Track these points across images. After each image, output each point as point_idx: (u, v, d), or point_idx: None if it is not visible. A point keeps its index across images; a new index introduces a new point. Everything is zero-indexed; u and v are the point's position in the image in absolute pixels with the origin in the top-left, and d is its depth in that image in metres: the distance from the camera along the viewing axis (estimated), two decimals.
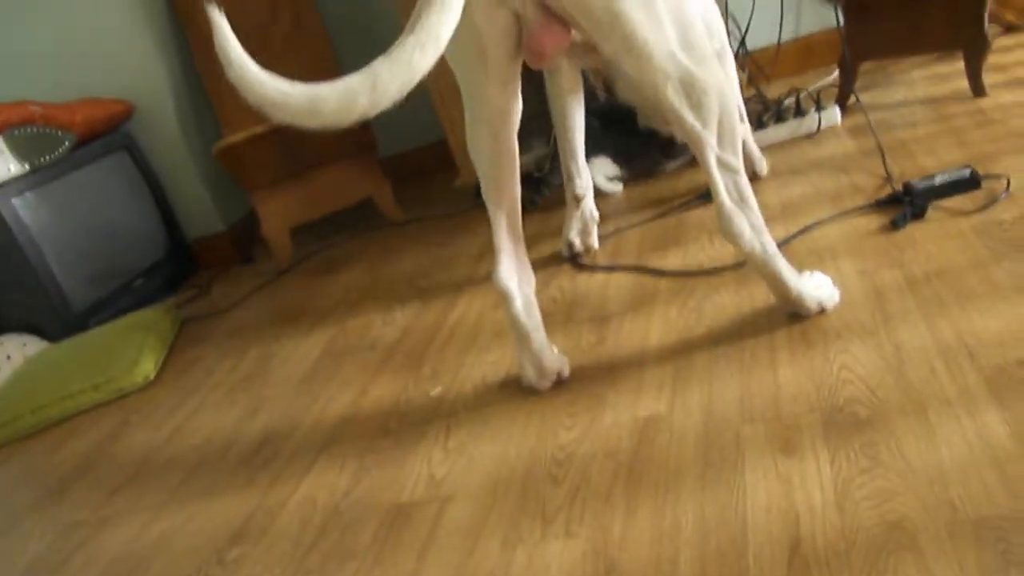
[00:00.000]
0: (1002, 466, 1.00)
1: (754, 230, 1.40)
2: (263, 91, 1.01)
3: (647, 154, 2.42)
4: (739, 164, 1.39)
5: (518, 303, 1.50)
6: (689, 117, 1.34)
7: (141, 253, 2.97)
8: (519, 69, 1.40)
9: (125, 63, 3.00)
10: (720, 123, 1.36)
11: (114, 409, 2.17)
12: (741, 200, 1.39)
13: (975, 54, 2.21)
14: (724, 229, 1.41)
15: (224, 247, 3.18)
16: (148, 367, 2.27)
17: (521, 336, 1.50)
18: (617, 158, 2.45)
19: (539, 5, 1.31)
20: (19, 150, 2.64)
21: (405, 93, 1.05)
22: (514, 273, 1.50)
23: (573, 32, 1.36)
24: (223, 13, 1.00)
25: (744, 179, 1.39)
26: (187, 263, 3.17)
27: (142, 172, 3.03)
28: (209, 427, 1.86)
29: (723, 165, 1.38)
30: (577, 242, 2.05)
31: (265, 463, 1.61)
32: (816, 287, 1.46)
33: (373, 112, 1.04)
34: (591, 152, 2.24)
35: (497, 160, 1.46)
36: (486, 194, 1.50)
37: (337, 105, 1.02)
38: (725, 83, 1.36)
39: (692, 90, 1.32)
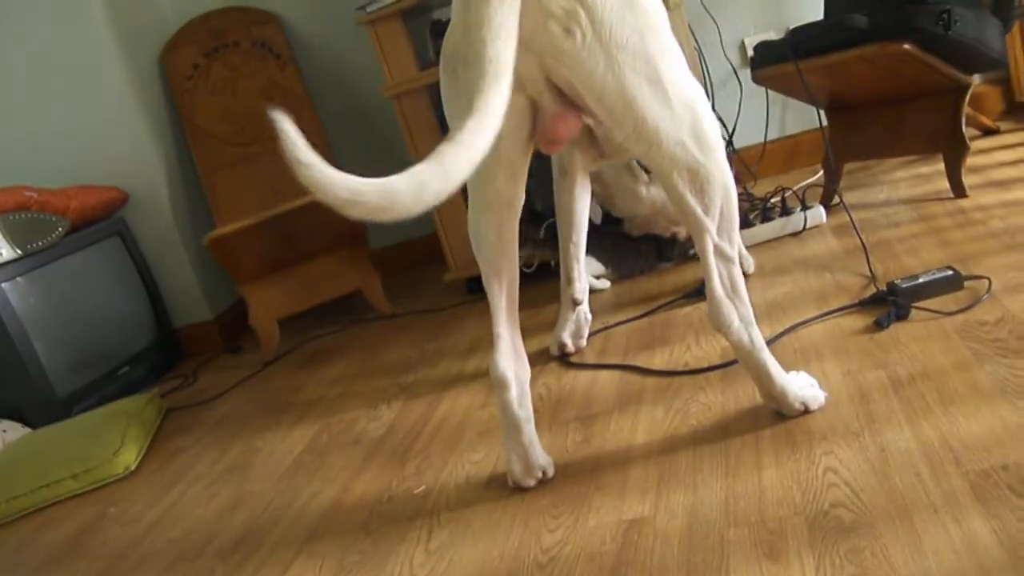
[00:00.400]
0: None
1: (743, 321, 1.42)
2: (334, 191, 1.01)
3: (638, 256, 2.45)
4: (735, 255, 1.41)
5: (513, 392, 1.49)
6: (691, 202, 1.37)
7: (128, 340, 2.96)
8: (529, 158, 1.43)
9: (121, 152, 3.04)
10: (721, 212, 1.39)
11: (93, 499, 2.13)
12: (733, 291, 1.41)
13: (954, 156, 2.26)
14: (713, 317, 1.42)
15: (211, 335, 3.18)
16: (130, 457, 2.24)
17: (512, 427, 1.49)
18: (604, 259, 2.47)
19: (555, 91, 1.34)
20: (13, 235, 2.65)
21: (470, 173, 1.07)
22: (512, 361, 1.50)
23: (584, 118, 1.40)
24: (288, 118, 0.98)
25: (738, 270, 1.42)
26: (173, 351, 3.16)
27: (133, 259, 3.05)
28: (188, 521, 1.83)
29: (720, 254, 1.40)
30: (569, 343, 2.05)
31: (243, 560, 1.58)
32: (800, 388, 1.46)
33: (442, 198, 1.05)
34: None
35: (500, 248, 1.48)
36: (487, 281, 1.51)
37: (411, 195, 1.04)
38: (729, 175, 1.40)
39: (696, 178, 1.36)
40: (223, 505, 1.85)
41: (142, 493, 2.07)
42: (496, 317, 1.51)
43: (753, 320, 1.43)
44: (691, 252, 2.44)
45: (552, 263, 2.50)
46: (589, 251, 2.38)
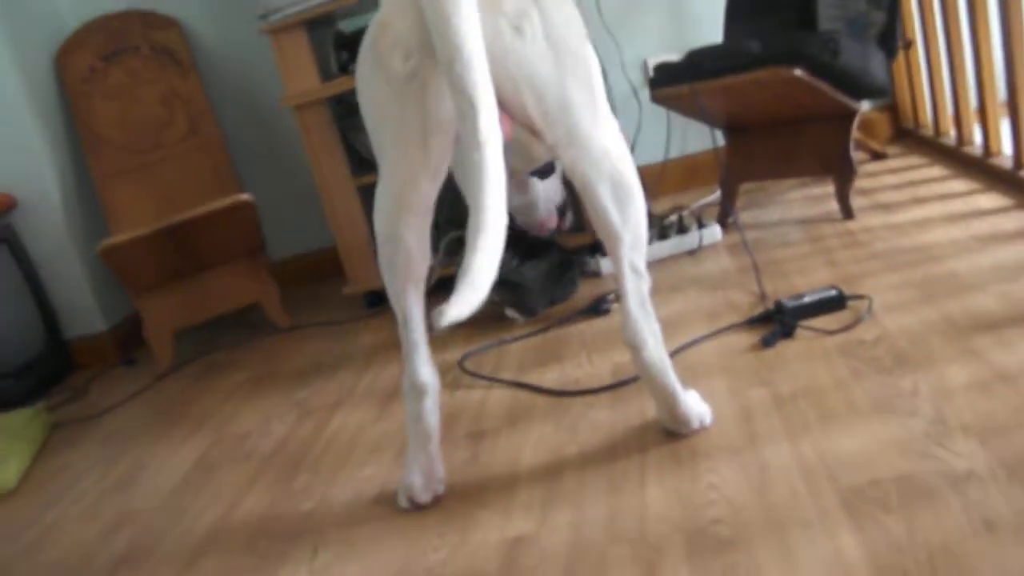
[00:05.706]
0: None
1: (655, 338, 1.41)
2: None
3: (543, 290, 2.33)
4: (644, 271, 1.41)
5: (430, 400, 1.46)
6: (613, 214, 1.37)
7: (14, 351, 2.84)
8: (450, 160, 1.40)
9: (9, 155, 2.92)
10: (635, 227, 1.39)
11: None
12: (643, 308, 1.40)
13: (843, 180, 2.34)
14: (630, 334, 1.40)
15: (105, 347, 3.08)
16: (10, 475, 2.15)
17: (424, 436, 1.47)
18: (508, 301, 2.32)
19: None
20: None
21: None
22: (431, 368, 1.47)
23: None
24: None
25: (647, 287, 1.41)
26: (63, 363, 3.05)
27: (21, 266, 2.93)
28: (67, 542, 1.76)
29: (633, 269, 1.40)
30: None
31: None
32: (697, 404, 1.49)
33: None
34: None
35: (418, 252, 1.42)
36: (401, 290, 1.43)
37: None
38: (641, 190, 1.40)
39: (619, 189, 1.36)
40: (105, 525, 1.79)
41: (21, 512, 1.99)
42: (412, 325, 1.45)
43: (662, 339, 1.43)
44: (587, 270, 2.46)
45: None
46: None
